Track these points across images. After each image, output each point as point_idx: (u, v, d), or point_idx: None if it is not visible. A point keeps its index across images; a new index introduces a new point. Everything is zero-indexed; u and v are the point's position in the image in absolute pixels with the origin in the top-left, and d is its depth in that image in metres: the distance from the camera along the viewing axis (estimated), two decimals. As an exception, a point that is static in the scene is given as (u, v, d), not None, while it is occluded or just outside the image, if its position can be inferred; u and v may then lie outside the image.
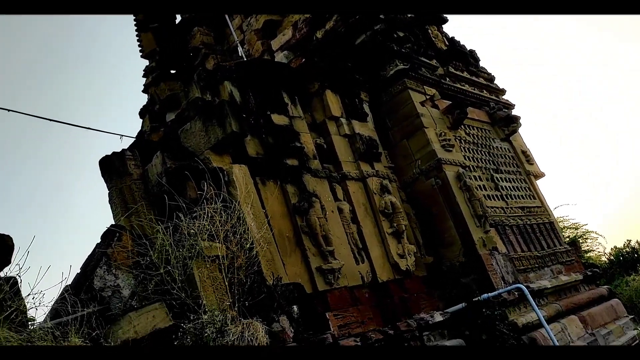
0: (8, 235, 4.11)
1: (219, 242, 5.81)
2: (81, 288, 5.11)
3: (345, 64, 9.96)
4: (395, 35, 11.08)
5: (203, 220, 5.82)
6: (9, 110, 5.95)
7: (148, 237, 5.53)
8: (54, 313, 4.80)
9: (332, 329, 7.01)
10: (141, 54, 14.48)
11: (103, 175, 6.66)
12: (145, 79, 13.43)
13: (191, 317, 4.76)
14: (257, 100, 8.13)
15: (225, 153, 7.11)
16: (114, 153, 6.66)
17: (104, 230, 5.46)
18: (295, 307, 5.90)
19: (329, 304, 7.29)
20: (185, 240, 5.44)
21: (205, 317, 4.70)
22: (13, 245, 4.13)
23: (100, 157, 6.65)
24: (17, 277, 4.11)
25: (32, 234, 4.40)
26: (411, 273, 8.87)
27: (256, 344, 5.05)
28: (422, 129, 10.14)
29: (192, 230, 5.51)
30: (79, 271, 5.54)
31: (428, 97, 10.77)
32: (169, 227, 5.68)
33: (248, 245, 6.08)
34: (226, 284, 5.56)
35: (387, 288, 8.50)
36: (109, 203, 6.51)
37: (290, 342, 5.54)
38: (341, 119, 9.37)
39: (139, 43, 14.23)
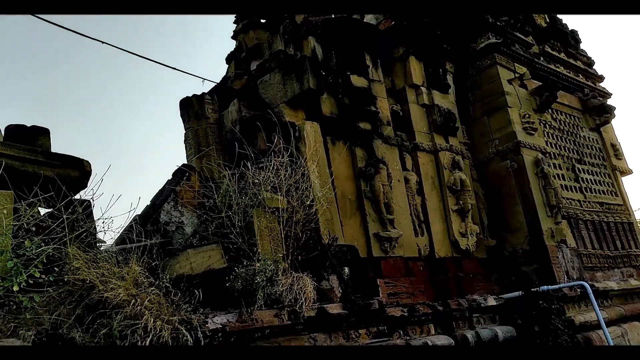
0: (87, 161, 4.41)
1: (280, 195, 5.94)
2: (148, 220, 5.43)
3: (435, 31, 9.64)
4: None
5: (268, 172, 5.95)
6: (102, 42, 6.24)
7: (215, 180, 5.74)
8: (121, 239, 5.14)
9: (381, 296, 7.08)
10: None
11: (182, 115, 6.92)
12: (235, 25, 13.63)
13: (245, 263, 4.95)
14: (339, 59, 8.08)
15: (299, 108, 7.17)
16: (194, 95, 6.89)
17: (175, 168, 5.73)
18: (346, 269, 5.98)
19: (381, 271, 7.33)
20: (249, 189, 5.60)
21: (258, 264, 4.87)
22: (90, 170, 4.43)
23: (182, 98, 6.89)
24: (91, 200, 4.42)
25: (109, 162, 4.69)
26: (470, 253, 8.71)
27: (303, 298, 5.20)
28: (506, 108, 9.73)
29: (257, 180, 5.66)
30: (148, 203, 5.87)
31: (517, 75, 10.27)
32: (235, 174, 5.86)
33: (308, 202, 6.18)
34: (282, 236, 5.70)
35: (444, 264, 8.42)
36: (184, 143, 6.79)
37: (336, 301, 5.66)
38: (421, 87, 9.15)
39: (233, -11, 14.43)
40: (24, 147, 4.05)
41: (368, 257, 7.32)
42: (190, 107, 6.89)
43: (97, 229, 4.60)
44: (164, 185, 5.80)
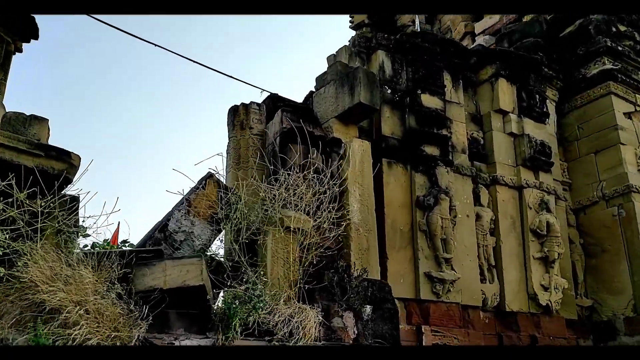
0: (75, 154, 4.18)
1: (303, 214, 5.34)
2: (161, 227, 5.13)
3: (535, 53, 8.48)
4: (614, 29, 9.10)
5: (284, 187, 5.37)
6: (155, 45, 6.20)
7: (234, 191, 5.30)
8: (122, 242, 4.88)
9: (424, 343, 6.12)
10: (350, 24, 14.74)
11: (228, 124, 6.63)
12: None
13: (228, 283, 4.42)
14: (413, 76, 7.33)
15: (350, 125, 6.54)
16: (242, 104, 6.58)
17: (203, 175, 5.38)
18: (368, 307, 5.17)
19: (429, 317, 6.36)
20: (263, 204, 5.09)
21: (241, 288, 4.30)
22: (78, 165, 4.21)
23: (231, 106, 6.61)
24: (77, 196, 4.19)
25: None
26: (552, 311, 7.34)
27: (301, 333, 4.51)
28: (618, 145, 8.25)
29: (272, 195, 5.12)
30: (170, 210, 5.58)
31: (638, 108, 8.70)
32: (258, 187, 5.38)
33: (342, 228, 5.49)
34: (297, 259, 5.09)
35: (515, 320, 7.17)
36: (226, 153, 6.47)
37: (346, 343, 4.87)
38: (510, 114, 8.03)
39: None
40: (4, 133, 3.94)
41: (415, 298, 6.40)
42: (235, 116, 6.59)
43: (86, 228, 4.35)
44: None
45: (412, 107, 7.10)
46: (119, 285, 3.96)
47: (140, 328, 3.83)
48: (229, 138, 6.56)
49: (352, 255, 5.69)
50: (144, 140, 28.14)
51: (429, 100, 7.27)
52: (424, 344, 6.16)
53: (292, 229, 5.16)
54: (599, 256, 8.17)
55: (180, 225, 5.18)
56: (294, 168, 5.71)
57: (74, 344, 3.37)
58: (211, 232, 5.30)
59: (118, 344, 3.62)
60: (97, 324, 3.52)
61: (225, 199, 5.30)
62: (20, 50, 4.97)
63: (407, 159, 6.90)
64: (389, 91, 7.15)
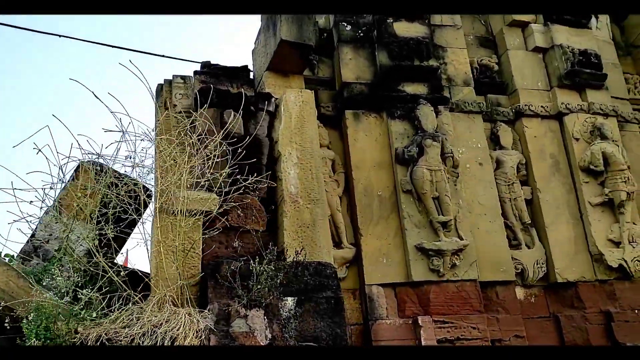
0: None
1: (205, 191, 4.11)
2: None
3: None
4: None
5: (192, 159, 4.18)
6: (60, 36, 5.42)
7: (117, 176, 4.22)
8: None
9: (423, 340, 4.48)
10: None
11: (155, 107, 5.60)
12: None
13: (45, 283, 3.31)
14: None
15: (291, 75, 5.17)
16: (165, 80, 5.53)
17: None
18: (289, 301, 3.72)
19: (429, 304, 4.68)
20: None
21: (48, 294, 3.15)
22: None
23: (157, 85, 5.59)
24: None
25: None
26: (631, 274, 5.19)
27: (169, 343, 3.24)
28: (702, 30, 5.86)
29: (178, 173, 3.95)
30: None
31: None
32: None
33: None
34: (187, 249, 3.84)
35: (576, 294, 5.16)
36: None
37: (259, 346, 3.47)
38: (532, 24, 6.07)
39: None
40: None
41: (408, 281, 4.77)
42: (159, 96, 5.56)
43: None
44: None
45: (382, 40, 5.53)
46: None
47: None
48: (155, 123, 5.52)
49: (285, 235, 4.28)
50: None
51: (405, 29, 5.64)
52: (423, 342, 4.49)
53: (186, 212, 3.94)
54: None
55: (51, 231, 4.20)
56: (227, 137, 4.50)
57: None
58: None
59: None
60: None
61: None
62: None
63: (382, 106, 5.33)
64: (348, 27, 5.65)
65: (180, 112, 5.27)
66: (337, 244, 4.94)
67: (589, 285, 5.17)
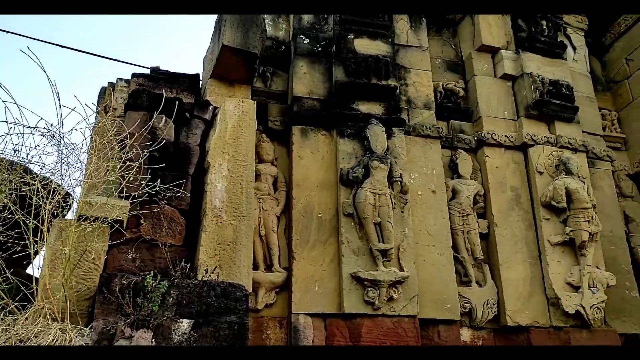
0: None
1: (117, 198, 3.78)
2: None
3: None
4: None
5: (108, 163, 3.87)
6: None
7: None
8: None
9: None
10: None
11: (97, 107, 5.33)
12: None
13: None
14: (343, 18, 5.45)
15: (237, 84, 4.89)
16: (108, 83, 5.28)
17: None
18: (185, 323, 3.34)
19: (360, 339, 4.27)
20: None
21: None
22: None
23: (100, 89, 5.34)
24: None
25: None
26: (589, 322, 4.75)
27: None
28: (682, 67, 5.55)
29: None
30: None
31: None
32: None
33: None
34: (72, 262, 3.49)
35: (528, 339, 4.73)
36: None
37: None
38: (503, 51, 5.78)
39: None
40: None
41: (340, 313, 4.37)
42: (101, 100, 5.30)
43: None
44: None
45: (340, 56, 5.25)
46: None
47: None
48: (93, 128, 5.24)
49: (201, 251, 3.94)
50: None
51: (366, 46, 5.37)
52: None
53: (84, 219, 3.62)
54: (678, 235, 5.38)
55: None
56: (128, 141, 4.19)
57: None
58: None
59: None
60: None
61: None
62: None
63: (332, 124, 5.02)
64: (306, 41, 5.39)
65: (120, 116, 5.00)
66: (269, 266, 4.58)
67: (543, 332, 4.74)
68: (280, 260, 4.63)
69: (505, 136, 5.39)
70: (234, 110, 4.54)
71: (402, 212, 4.73)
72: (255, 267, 4.52)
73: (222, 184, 4.23)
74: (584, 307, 4.74)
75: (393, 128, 5.04)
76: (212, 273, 3.79)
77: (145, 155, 4.01)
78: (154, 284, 3.31)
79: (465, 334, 4.72)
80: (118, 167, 3.81)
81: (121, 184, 3.85)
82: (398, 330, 4.37)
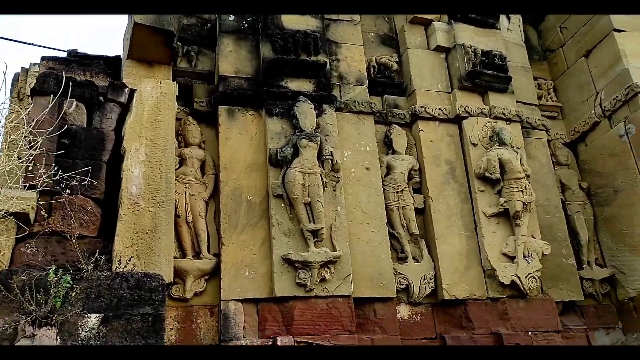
0: None
1: (22, 190, 3.54)
2: None
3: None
4: None
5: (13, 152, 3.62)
6: None
7: None
8: None
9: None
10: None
11: (12, 93, 5.03)
12: None
13: None
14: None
15: (156, 64, 4.66)
16: (22, 68, 4.99)
17: None
18: (93, 318, 3.17)
19: (292, 322, 4.16)
20: None
21: None
22: None
23: (15, 73, 5.03)
24: None
25: None
26: (525, 292, 4.75)
27: None
28: (611, 32, 5.55)
29: None
30: None
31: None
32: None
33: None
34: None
35: (465, 312, 4.70)
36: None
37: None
38: (435, 23, 5.68)
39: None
40: None
41: (272, 297, 4.24)
42: (14, 86, 5.00)
43: None
44: None
45: (267, 32, 5.06)
46: None
47: None
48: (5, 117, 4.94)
49: (117, 241, 3.74)
50: None
51: (294, 21, 5.19)
52: None
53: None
54: (612, 201, 5.43)
55: None
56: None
57: None
58: None
59: None
60: None
61: None
62: None
63: (261, 103, 4.84)
64: (231, 17, 5.18)
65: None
66: (198, 254, 4.41)
67: (480, 304, 4.72)
68: (210, 247, 4.46)
69: (439, 109, 5.31)
70: (152, 92, 4.32)
71: (334, 190, 4.61)
72: (184, 255, 4.37)
73: (139, 170, 4.02)
74: (519, 277, 4.73)
75: (324, 105, 4.90)
76: (128, 263, 3.60)
77: (53, 142, 3.77)
78: (56, 279, 3.11)
79: (403, 311, 4.66)
80: (23, 157, 3.57)
81: (27, 174, 3.61)
82: (332, 311, 4.27)
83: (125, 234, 3.78)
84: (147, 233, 3.83)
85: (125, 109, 4.34)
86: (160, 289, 3.48)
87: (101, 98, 4.28)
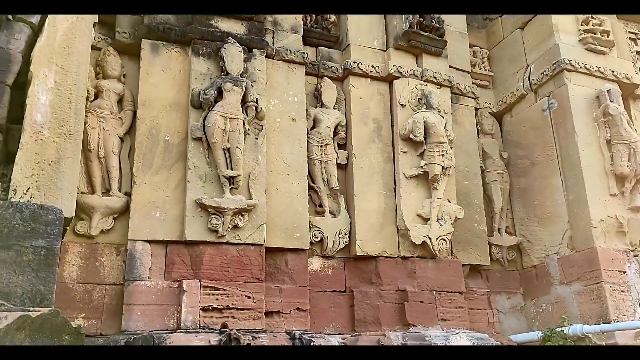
0: None
1: None
2: None
3: None
4: None
5: None
6: None
7: None
8: None
9: (185, 314, 3.92)
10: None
11: None
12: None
13: None
14: None
15: None
16: None
17: None
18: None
19: (201, 267, 4.13)
20: None
21: None
22: None
23: None
24: None
25: None
26: (435, 253, 4.89)
27: None
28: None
29: None
30: None
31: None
32: None
33: None
34: None
35: (376, 268, 4.80)
36: None
37: None
38: (378, -23, 5.57)
39: None
40: None
41: (181, 240, 4.17)
42: None
43: None
44: None
45: (201, -33, 4.80)
46: None
47: None
48: None
49: (15, 171, 3.54)
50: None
51: (231, -42, 4.94)
52: (184, 308, 3.95)
53: None
54: (528, 172, 5.62)
55: None
56: None
57: None
58: None
59: None
60: None
61: None
62: None
63: (188, 41, 4.64)
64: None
65: None
66: (108, 191, 4.26)
67: (391, 261, 4.83)
68: (122, 185, 4.32)
69: (372, 66, 5.27)
70: (64, 18, 4.03)
71: (257, 139, 4.53)
72: (93, 191, 4.22)
73: (46, 97, 3.78)
74: (430, 239, 4.86)
75: (254, 50, 4.75)
76: (25, 194, 3.43)
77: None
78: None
79: (316, 263, 4.71)
80: None
81: None
82: (242, 259, 4.26)
83: (25, 163, 3.57)
84: (49, 164, 3.63)
85: (38, 32, 4.04)
86: (57, 222, 3.36)
87: (9, 17, 3.97)
